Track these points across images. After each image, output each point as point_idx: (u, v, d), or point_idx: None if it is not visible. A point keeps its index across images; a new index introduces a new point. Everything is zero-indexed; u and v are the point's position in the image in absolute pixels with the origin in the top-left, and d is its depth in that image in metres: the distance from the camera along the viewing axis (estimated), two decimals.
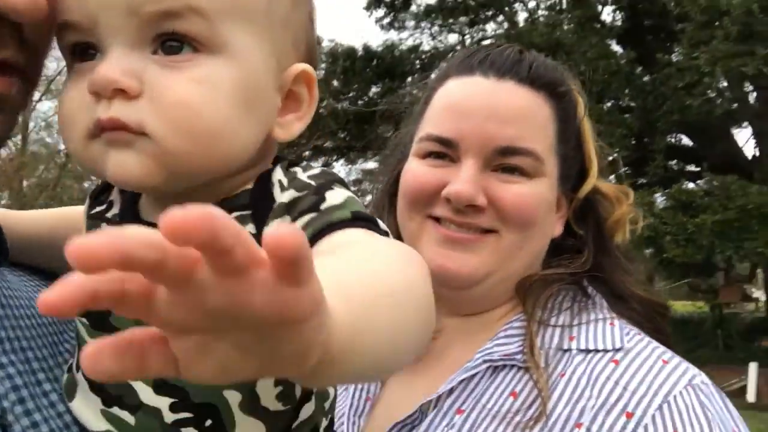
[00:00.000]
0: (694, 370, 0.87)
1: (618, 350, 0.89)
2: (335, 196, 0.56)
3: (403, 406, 0.95)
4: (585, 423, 0.83)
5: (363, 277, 0.42)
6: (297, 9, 0.60)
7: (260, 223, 0.57)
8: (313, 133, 19.47)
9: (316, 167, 0.61)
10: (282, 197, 0.57)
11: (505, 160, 0.93)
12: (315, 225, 0.53)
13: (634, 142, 14.33)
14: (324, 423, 0.65)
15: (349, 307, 0.37)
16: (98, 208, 0.66)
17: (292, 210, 0.56)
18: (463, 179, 0.92)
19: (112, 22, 0.52)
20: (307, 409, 0.62)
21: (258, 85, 0.56)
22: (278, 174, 0.60)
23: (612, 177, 1.21)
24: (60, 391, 0.64)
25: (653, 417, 0.81)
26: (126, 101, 0.52)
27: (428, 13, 19.51)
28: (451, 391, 0.93)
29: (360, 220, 0.54)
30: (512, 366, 0.92)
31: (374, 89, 19.60)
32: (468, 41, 19.40)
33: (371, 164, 21.32)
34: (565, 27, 15.18)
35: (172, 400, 0.57)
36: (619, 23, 16.51)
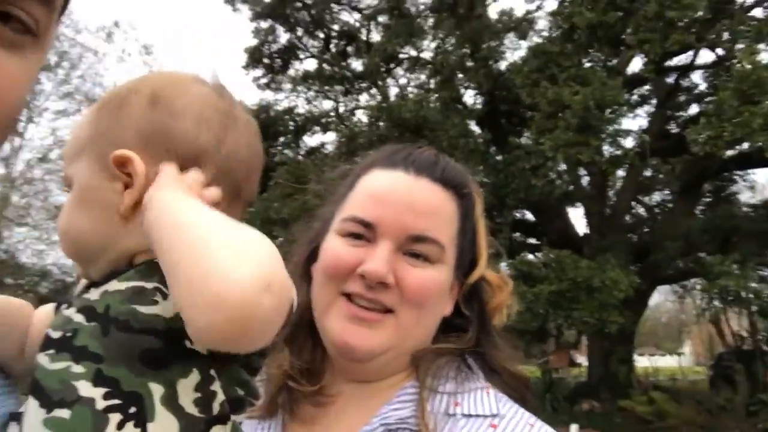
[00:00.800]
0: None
1: (495, 416, 1.03)
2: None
3: None
4: None
5: None
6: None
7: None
8: None
9: None
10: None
11: (414, 246, 1.06)
12: None
13: (485, 216, 15.49)
14: None
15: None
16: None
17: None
18: (378, 258, 1.03)
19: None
20: (219, 430, 0.70)
21: None
22: None
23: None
24: None
25: None
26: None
27: (305, 78, 20.12)
28: None
29: None
30: (405, 428, 1.02)
31: None
32: (341, 109, 20.18)
33: None
34: (432, 105, 16.30)
35: (106, 389, 0.67)
36: (479, 106, 17.93)
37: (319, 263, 1.12)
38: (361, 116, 19.45)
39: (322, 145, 19.82)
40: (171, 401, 0.67)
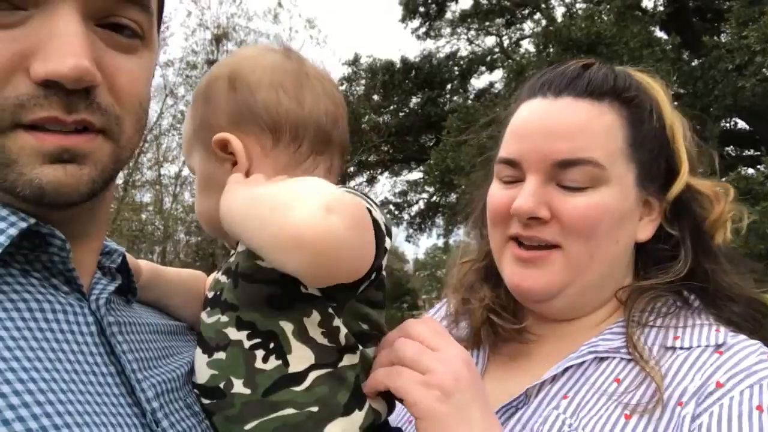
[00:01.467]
0: None
1: (721, 345, 0.92)
2: None
3: (505, 393, 1.02)
4: (684, 401, 0.88)
5: None
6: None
7: None
8: (356, 149, 19.70)
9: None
10: None
11: (564, 174, 0.98)
12: None
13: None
14: (359, 378, 0.82)
15: None
16: None
17: None
18: (524, 194, 0.98)
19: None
20: (350, 359, 0.81)
21: None
22: None
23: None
24: (183, 390, 0.82)
25: (741, 392, 0.84)
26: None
27: (464, 18, 19.48)
28: (554, 378, 1.00)
29: None
30: (616, 357, 0.96)
31: (414, 100, 19.65)
32: (506, 42, 19.25)
33: (416, 175, 21.34)
34: (605, 18, 14.86)
35: (247, 331, 0.80)
36: (661, 8, 16.07)
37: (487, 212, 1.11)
38: (528, 46, 18.41)
39: (491, 85, 19.18)
40: (302, 334, 0.78)
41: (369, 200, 0.80)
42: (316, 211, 0.65)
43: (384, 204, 22.21)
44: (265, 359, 0.79)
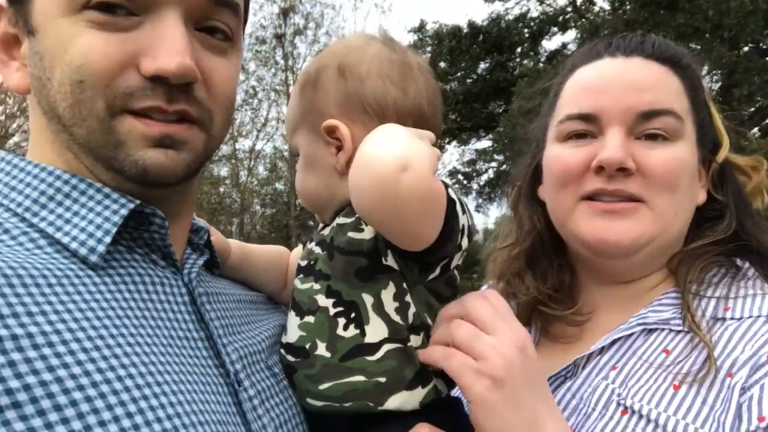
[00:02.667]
0: None
1: None
2: None
3: (556, 364, 1.04)
4: (734, 371, 0.86)
5: None
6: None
7: None
8: None
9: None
10: None
11: (647, 125, 0.98)
12: None
13: None
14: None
15: None
16: None
17: None
18: (612, 145, 0.97)
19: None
20: (416, 340, 0.88)
21: None
22: None
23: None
24: (264, 354, 0.91)
25: None
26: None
27: None
28: (602, 349, 1.00)
29: None
30: (665, 329, 0.96)
31: (482, 65, 19.19)
32: (579, 0, 18.36)
33: (484, 143, 20.97)
34: None
35: (333, 299, 0.88)
36: None
37: (547, 178, 1.09)
38: (602, 4, 17.44)
39: (563, 46, 18.37)
40: (379, 309, 0.86)
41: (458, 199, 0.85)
42: (395, 163, 0.71)
43: (452, 174, 21.99)
44: (345, 327, 0.86)
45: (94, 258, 0.71)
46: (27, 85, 0.77)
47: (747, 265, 1.01)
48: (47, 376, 0.57)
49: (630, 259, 1.01)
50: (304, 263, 0.95)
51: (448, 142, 22.30)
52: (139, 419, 0.61)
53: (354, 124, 0.90)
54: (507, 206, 1.26)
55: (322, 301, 0.89)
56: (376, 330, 0.85)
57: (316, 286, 0.90)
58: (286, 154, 19.41)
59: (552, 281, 1.12)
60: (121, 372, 0.63)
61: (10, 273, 0.62)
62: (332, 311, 0.87)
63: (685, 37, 13.46)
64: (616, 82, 1.01)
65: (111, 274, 0.72)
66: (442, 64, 19.48)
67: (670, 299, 1.00)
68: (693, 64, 1.07)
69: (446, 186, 0.82)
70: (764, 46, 13.59)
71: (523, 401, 0.80)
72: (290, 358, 0.91)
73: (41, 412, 0.55)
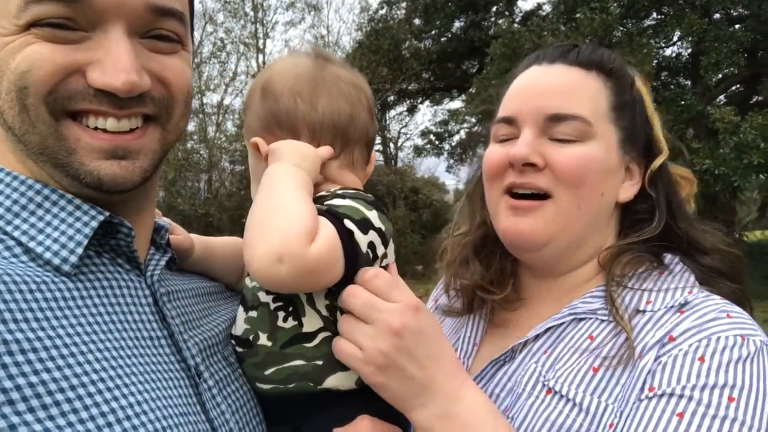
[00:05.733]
0: (759, 331, 0.94)
1: (685, 305, 0.99)
2: (339, 201, 0.93)
3: (499, 350, 1.16)
4: (643, 354, 0.96)
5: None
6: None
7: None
8: (396, 77, 19.30)
9: (353, 195, 0.96)
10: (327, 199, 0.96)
11: (557, 128, 1.08)
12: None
13: (746, 56, 13.05)
14: None
15: None
16: None
17: (324, 199, 0.95)
18: (521, 143, 1.09)
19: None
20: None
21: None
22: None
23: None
24: (221, 345, 0.98)
25: (690, 344, 0.92)
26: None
27: None
28: (537, 336, 1.11)
29: (325, 213, 0.90)
30: (592, 318, 1.06)
31: (457, 24, 18.96)
32: None
33: (457, 104, 20.90)
34: None
35: (273, 296, 0.96)
36: None
37: (483, 176, 1.20)
38: None
39: (539, 6, 18.24)
40: (312, 304, 0.95)
41: (368, 204, 0.94)
42: (268, 258, 0.82)
43: (424, 134, 21.94)
44: (284, 319, 0.95)
45: (67, 267, 0.76)
46: None
47: (676, 260, 1.09)
48: (34, 379, 0.65)
49: (543, 252, 1.11)
50: None
51: (421, 102, 22.16)
52: (111, 417, 0.69)
53: (275, 139, 0.99)
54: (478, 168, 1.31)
55: (263, 297, 0.97)
56: (312, 321, 0.94)
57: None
58: None
59: (495, 269, 1.23)
60: (94, 376, 0.70)
61: None
62: (272, 306, 0.96)
63: (659, 2, 13.50)
64: (532, 87, 1.13)
65: (82, 280, 0.78)
66: (417, 22, 19.17)
67: (600, 291, 1.09)
68: (622, 69, 1.17)
69: (339, 220, 0.89)
70: (735, 14, 13.73)
71: (411, 373, 0.91)
72: (238, 348, 1.00)
73: (31, 410, 0.63)
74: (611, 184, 1.11)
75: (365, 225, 0.91)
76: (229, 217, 16.84)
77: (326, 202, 0.93)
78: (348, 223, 0.90)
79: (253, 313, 0.98)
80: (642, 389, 0.93)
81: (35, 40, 0.73)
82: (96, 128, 0.77)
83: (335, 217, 0.89)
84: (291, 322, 0.95)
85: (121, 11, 0.75)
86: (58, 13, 0.73)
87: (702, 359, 0.90)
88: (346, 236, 0.89)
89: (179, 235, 1.06)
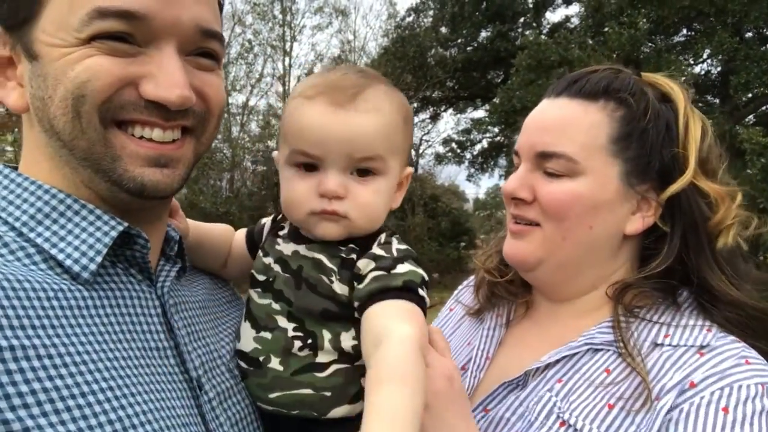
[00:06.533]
0: None
1: (705, 347, 0.99)
2: (403, 268, 0.94)
3: (512, 368, 1.16)
4: (661, 396, 0.95)
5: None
6: (407, 137, 1.04)
7: (359, 255, 0.97)
8: (420, 85, 19.30)
9: (404, 245, 0.99)
10: (375, 250, 0.97)
11: (547, 163, 1.11)
12: (380, 281, 0.92)
13: None
14: None
15: None
16: (277, 230, 1.08)
17: (377, 260, 0.95)
18: (512, 178, 1.17)
19: (334, 158, 0.95)
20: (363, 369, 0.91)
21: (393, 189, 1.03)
22: (381, 237, 1.00)
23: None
24: (225, 358, 0.99)
25: (712, 392, 0.91)
26: (338, 200, 0.95)
27: None
28: (552, 363, 1.11)
29: (405, 290, 0.92)
30: (610, 351, 1.06)
31: (484, 34, 18.94)
32: None
33: (480, 113, 20.83)
34: None
35: (295, 325, 0.97)
36: None
37: None
38: None
39: (567, 19, 18.17)
40: (336, 344, 0.96)
41: (416, 262, 0.98)
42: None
43: (446, 142, 21.89)
44: (301, 349, 0.96)
45: (85, 275, 0.80)
46: (25, 104, 0.83)
47: (690, 300, 1.08)
48: (48, 384, 0.68)
49: (537, 272, 1.17)
50: (261, 278, 1.03)
51: (444, 110, 22.13)
52: (118, 426, 0.72)
53: (284, 148, 1.02)
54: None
55: (283, 322, 0.98)
56: (327, 355, 0.95)
57: (276, 306, 0.99)
58: (280, 111, 19.15)
59: (514, 271, 1.28)
60: (104, 384, 0.74)
61: (17, 286, 0.72)
62: (291, 333, 0.97)
63: (689, 19, 13.35)
64: (532, 122, 1.18)
65: (96, 289, 0.81)
66: (444, 30, 19.19)
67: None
68: (637, 95, 1.10)
69: (418, 296, 0.93)
70: (767, 32, 13.52)
71: (446, 419, 0.93)
72: (243, 364, 1.00)
73: (45, 414, 0.66)
74: (605, 218, 1.10)
75: (426, 284, 0.96)
76: (249, 216, 16.96)
77: (392, 272, 0.93)
78: (421, 292, 0.94)
79: (267, 335, 0.98)
80: None
81: (96, 52, 0.78)
82: (141, 137, 0.82)
83: (414, 292, 0.92)
84: (306, 352, 0.96)
85: (174, 31, 0.81)
86: (120, 29, 0.78)
87: (726, 410, 0.90)
88: (423, 304, 0.93)
89: (180, 221, 1.08)
